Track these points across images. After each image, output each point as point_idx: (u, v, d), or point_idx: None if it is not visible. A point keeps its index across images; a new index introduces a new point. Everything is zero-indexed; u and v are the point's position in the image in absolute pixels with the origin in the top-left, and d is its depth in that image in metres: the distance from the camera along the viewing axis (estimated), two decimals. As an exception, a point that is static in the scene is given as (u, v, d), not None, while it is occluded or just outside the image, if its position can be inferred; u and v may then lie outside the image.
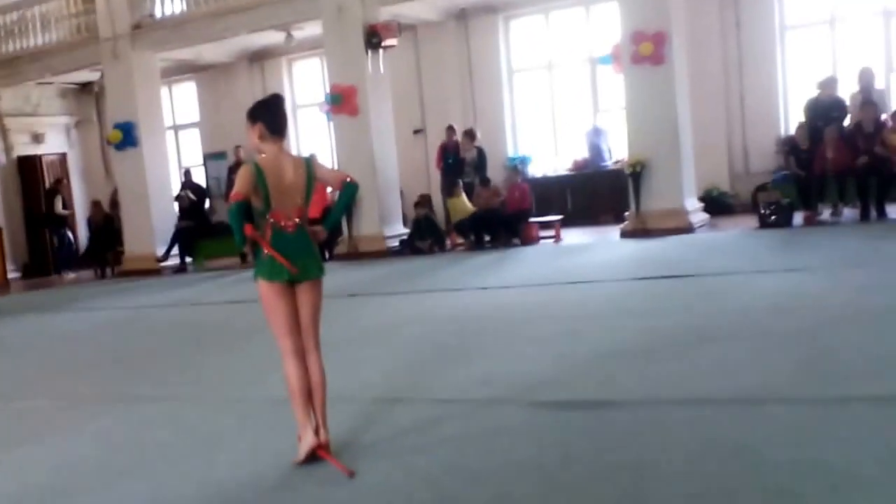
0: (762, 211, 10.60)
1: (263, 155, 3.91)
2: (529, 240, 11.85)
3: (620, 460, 3.50)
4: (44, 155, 17.32)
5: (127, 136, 14.50)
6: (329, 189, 11.53)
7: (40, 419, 5.30)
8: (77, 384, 6.23)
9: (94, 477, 4.04)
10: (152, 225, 14.47)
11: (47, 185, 17.11)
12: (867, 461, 3.19)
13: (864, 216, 10.21)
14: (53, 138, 17.58)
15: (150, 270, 14.06)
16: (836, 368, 4.46)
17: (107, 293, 12.46)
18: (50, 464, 4.35)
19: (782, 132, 12.70)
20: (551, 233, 12.02)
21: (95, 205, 15.71)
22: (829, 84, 11.09)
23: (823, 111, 10.89)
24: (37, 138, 17.25)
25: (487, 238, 12.11)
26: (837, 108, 10.95)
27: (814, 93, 11.18)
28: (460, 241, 12.44)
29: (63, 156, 17.74)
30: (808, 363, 4.61)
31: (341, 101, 12.67)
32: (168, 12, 14.53)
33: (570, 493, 3.23)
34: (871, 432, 3.48)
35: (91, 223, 15.69)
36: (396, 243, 12.66)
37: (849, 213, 10.72)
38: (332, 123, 13.52)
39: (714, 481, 3.19)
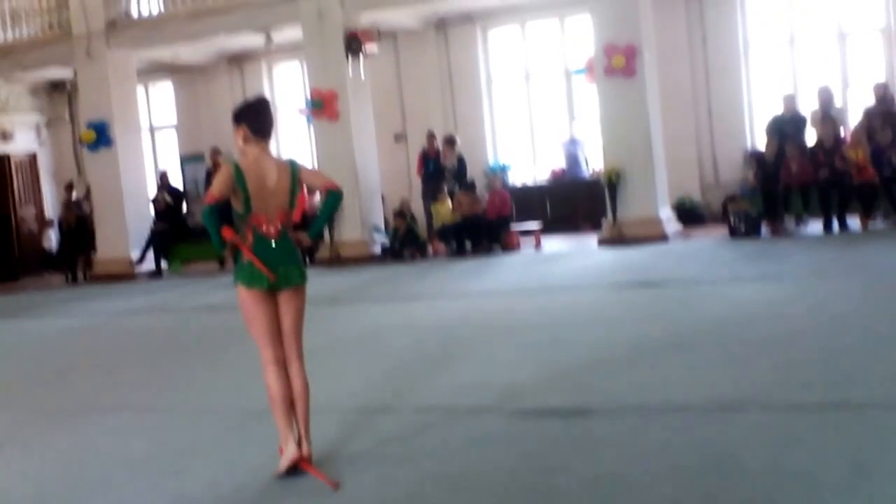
0: (732, 221, 10.82)
1: (245, 156, 3.87)
2: (510, 247, 11.90)
3: (600, 468, 3.57)
4: (12, 154, 17.00)
5: (101, 136, 14.24)
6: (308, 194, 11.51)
7: (3, 432, 5.14)
8: (44, 395, 6.09)
9: (60, 492, 3.94)
10: (127, 228, 14.23)
11: (15, 185, 16.81)
12: (839, 466, 3.31)
13: (827, 228, 10.48)
14: (23, 137, 17.19)
15: (124, 275, 13.80)
16: (808, 376, 4.60)
17: (77, 298, 12.23)
18: (14, 478, 4.22)
19: (749, 145, 12.92)
20: (531, 240, 12.07)
21: (67, 206, 15.43)
22: (789, 100, 11.51)
23: (785, 126, 11.27)
24: (5, 136, 16.88)
25: (468, 245, 12.13)
26: (797, 123, 11.33)
27: (779, 109, 11.55)
28: (442, 247, 12.43)
29: (33, 155, 17.43)
30: (780, 371, 4.74)
31: (322, 106, 12.62)
32: (144, 11, 14.32)
33: (552, 502, 3.28)
34: (842, 438, 3.61)
35: (62, 225, 15.41)
36: (378, 250, 12.63)
37: (812, 224, 10.95)
38: (312, 128, 13.47)
39: (692, 488, 3.27)
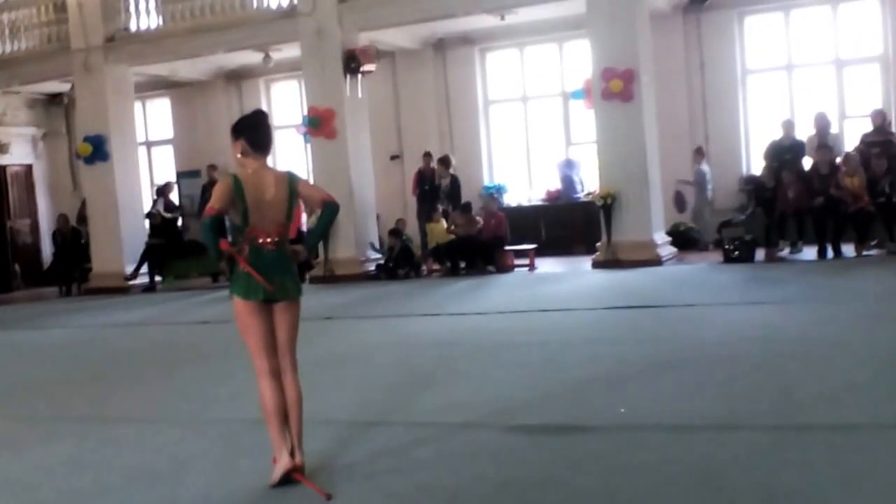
0: (726, 246, 10.89)
1: (244, 169, 3.88)
2: (504, 268, 11.93)
3: (591, 484, 3.58)
4: (8, 166, 17.00)
5: (97, 150, 14.25)
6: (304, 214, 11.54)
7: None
8: (37, 404, 6.05)
9: (53, 499, 3.93)
10: (121, 242, 14.20)
11: (10, 197, 16.81)
12: (829, 485, 3.35)
13: (821, 254, 10.53)
14: (19, 149, 17.19)
15: (118, 288, 13.77)
16: (799, 397, 4.64)
17: (72, 311, 12.19)
18: (7, 485, 4.19)
19: (744, 171, 13.01)
20: (525, 261, 12.10)
21: (62, 218, 15.39)
22: (788, 126, 11.60)
23: (783, 152, 11.36)
24: (1, 149, 16.86)
25: (463, 265, 12.14)
26: (795, 149, 11.42)
27: (778, 134, 11.64)
28: (436, 267, 12.45)
29: (28, 167, 17.43)
30: (771, 391, 4.78)
31: (319, 124, 12.67)
32: (143, 26, 14.38)
33: None
34: (831, 458, 3.64)
35: (57, 237, 15.37)
36: (372, 267, 12.64)
37: (807, 250, 11.01)
38: (309, 146, 13.51)
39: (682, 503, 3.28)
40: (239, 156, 3.90)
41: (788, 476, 3.44)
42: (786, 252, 11.05)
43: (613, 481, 3.57)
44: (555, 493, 3.49)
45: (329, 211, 3.94)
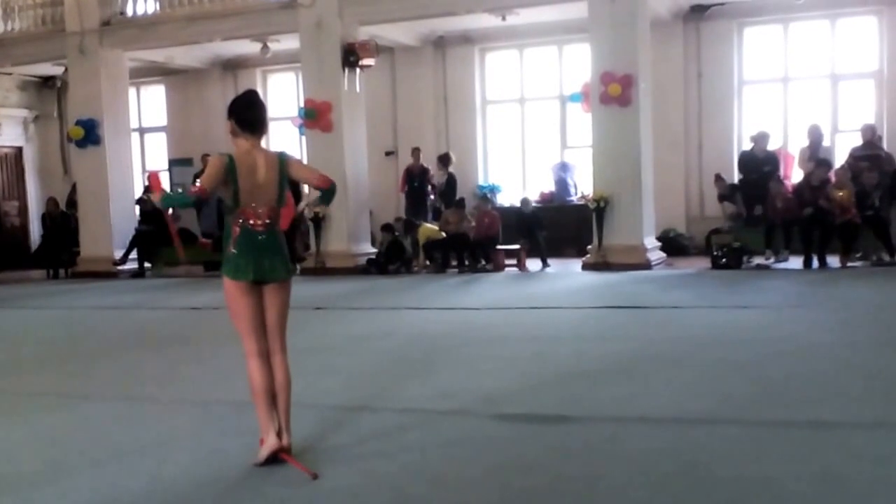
0: (715, 253, 11.00)
1: (237, 149, 3.86)
2: (496, 266, 11.92)
3: (576, 471, 3.61)
4: (-2, 147, 16.92)
5: (89, 134, 14.15)
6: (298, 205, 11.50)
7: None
8: (23, 380, 6.02)
9: (40, 471, 3.91)
10: (111, 227, 14.12)
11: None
12: (806, 478, 3.40)
13: (807, 264, 10.62)
14: (9, 131, 17.09)
15: (106, 273, 13.69)
16: (781, 395, 4.70)
17: (59, 293, 12.14)
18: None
19: (736, 181, 13.06)
20: (516, 261, 12.10)
21: (52, 201, 15.28)
22: (761, 139, 11.60)
23: (758, 164, 11.42)
24: (-9, 130, 16.79)
25: (454, 262, 12.12)
26: (770, 161, 11.51)
27: (748, 146, 11.76)
28: (427, 263, 12.43)
29: (19, 150, 17.30)
30: (754, 389, 4.84)
31: (315, 117, 12.63)
32: (140, 11, 14.29)
33: (528, 501, 3.33)
34: (810, 453, 3.69)
35: (46, 220, 15.26)
36: (364, 262, 12.62)
37: (793, 259, 11.08)
38: (304, 138, 13.46)
39: (663, 492, 3.33)
40: (231, 136, 3.88)
41: (768, 468, 3.50)
42: (771, 261, 11.12)
43: (596, 469, 3.61)
44: (538, 479, 3.51)
45: (328, 194, 3.95)
